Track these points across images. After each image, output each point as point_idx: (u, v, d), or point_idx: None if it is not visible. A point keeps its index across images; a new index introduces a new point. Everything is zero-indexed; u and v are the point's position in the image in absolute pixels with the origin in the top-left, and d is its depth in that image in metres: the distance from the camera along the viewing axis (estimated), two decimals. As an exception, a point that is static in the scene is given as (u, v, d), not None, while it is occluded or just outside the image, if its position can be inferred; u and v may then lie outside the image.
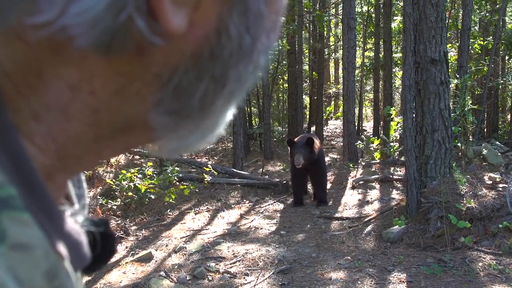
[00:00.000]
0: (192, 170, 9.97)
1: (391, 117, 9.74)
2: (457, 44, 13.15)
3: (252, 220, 6.93)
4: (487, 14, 13.83)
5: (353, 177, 9.33)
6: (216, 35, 0.36)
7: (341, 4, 13.93)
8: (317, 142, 7.69)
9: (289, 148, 7.59)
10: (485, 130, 14.89)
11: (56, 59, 0.34)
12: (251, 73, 0.40)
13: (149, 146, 0.44)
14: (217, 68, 0.38)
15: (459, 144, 8.22)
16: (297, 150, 7.19)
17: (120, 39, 0.33)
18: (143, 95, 0.37)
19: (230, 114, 0.43)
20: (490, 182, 6.22)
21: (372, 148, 11.67)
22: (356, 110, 15.57)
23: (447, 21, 8.95)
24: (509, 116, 16.94)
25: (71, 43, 0.33)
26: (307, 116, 18.86)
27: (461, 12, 12.62)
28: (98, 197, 7.35)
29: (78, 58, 0.34)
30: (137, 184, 7.34)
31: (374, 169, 9.94)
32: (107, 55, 0.34)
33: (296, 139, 7.79)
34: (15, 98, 0.34)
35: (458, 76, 9.31)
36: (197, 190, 8.24)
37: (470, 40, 12.02)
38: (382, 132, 14.23)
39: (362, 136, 12.99)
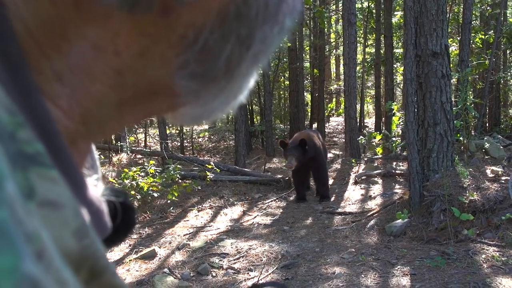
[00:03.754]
0: (194, 168, 9.97)
1: (393, 112, 9.73)
2: (458, 38, 13.12)
3: (255, 217, 6.93)
4: (488, 8, 13.80)
5: (355, 173, 9.33)
6: None
7: (341, 0, 13.91)
8: (316, 138, 7.70)
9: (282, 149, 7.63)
10: (487, 124, 14.88)
11: (80, 17, 0.33)
12: (276, 35, 0.39)
13: (172, 115, 0.43)
14: (243, 28, 0.37)
15: (461, 138, 8.20)
16: (289, 153, 7.23)
17: None
18: (167, 57, 0.36)
19: (253, 79, 0.42)
20: (492, 175, 6.21)
21: (374, 143, 11.66)
22: (358, 107, 15.57)
23: (448, 15, 8.93)
24: (511, 110, 16.92)
25: None
26: (309, 113, 18.86)
27: (462, 6, 12.60)
28: (101, 195, 7.35)
29: (102, 16, 0.33)
30: (139, 183, 7.35)
31: (376, 164, 9.93)
32: (132, 13, 0.33)
33: (295, 136, 7.83)
34: (38, 58, 0.33)
35: (459, 70, 9.30)
36: (199, 188, 8.24)
37: (471, 34, 12.00)
38: (384, 127, 14.22)
39: (364, 131, 12.96)
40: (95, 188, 0.41)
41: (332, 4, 20.07)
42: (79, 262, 0.29)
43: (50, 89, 0.34)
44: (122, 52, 0.35)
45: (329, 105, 22.42)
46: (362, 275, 4.45)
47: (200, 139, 17.64)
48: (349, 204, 7.40)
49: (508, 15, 15.23)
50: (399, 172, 8.70)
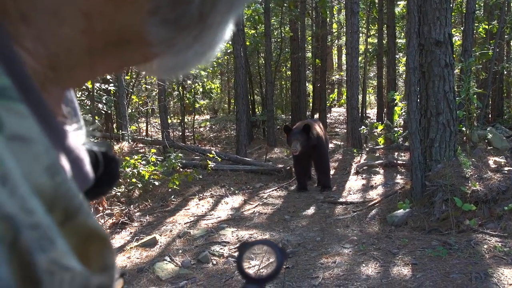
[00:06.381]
0: (196, 157, 9.96)
1: (395, 102, 9.68)
2: (462, 28, 13.04)
3: (256, 206, 6.92)
4: (492, -2, 13.69)
5: (357, 163, 9.30)
6: None
7: (344, -11, 13.82)
8: (318, 127, 7.65)
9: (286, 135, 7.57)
10: (490, 114, 14.81)
11: None
12: None
13: (146, 66, 0.42)
14: None
15: (463, 129, 8.16)
16: (293, 137, 7.11)
17: None
18: (138, 2, 0.34)
19: (229, 31, 0.41)
20: (495, 165, 6.17)
21: (376, 134, 11.62)
22: (360, 97, 15.51)
23: (451, 5, 8.86)
24: (514, 101, 16.83)
25: None
26: (310, 104, 18.80)
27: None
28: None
29: None
30: (141, 171, 7.33)
31: (378, 155, 9.90)
32: None
33: (297, 124, 7.78)
34: None
35: (463, 60, 9.24)
36: (200, 177, 8.23)
37: (475, 24, 11.92)
38: (386, 118, 14.17)
39: (366, 122, 12.93)
40: (75, 136, 0.40)
41: (334, -6, 19.94)
42: (53, 201, 0.28)
43: (16, 30, 0.32)
44: None
45: (331, 96, 22.34)
46: (363, 265, 4.43)
47: (201, 129, 17.61)
48: (351, 194, 7.38)
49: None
50: (401, 162, 8.67)
